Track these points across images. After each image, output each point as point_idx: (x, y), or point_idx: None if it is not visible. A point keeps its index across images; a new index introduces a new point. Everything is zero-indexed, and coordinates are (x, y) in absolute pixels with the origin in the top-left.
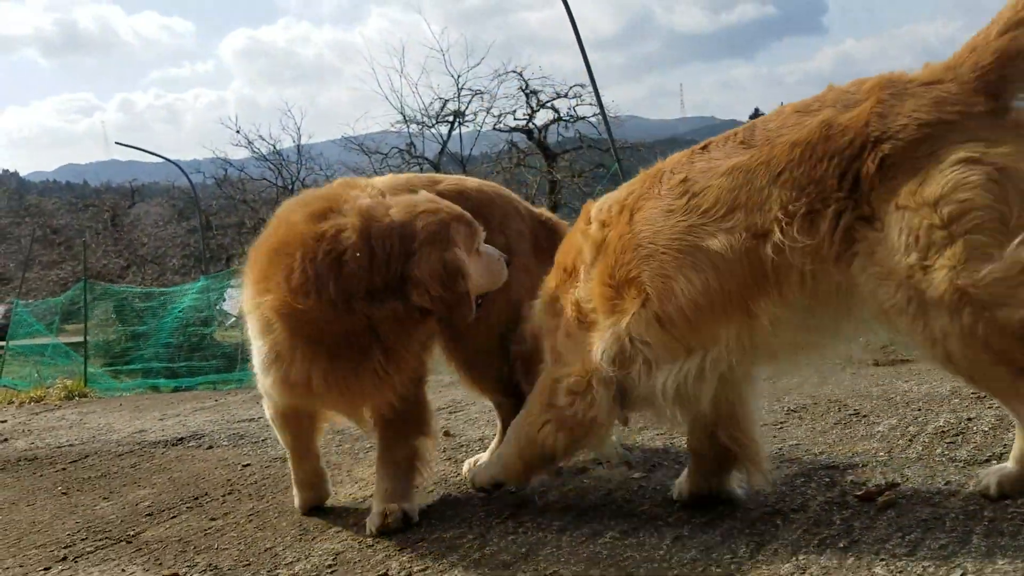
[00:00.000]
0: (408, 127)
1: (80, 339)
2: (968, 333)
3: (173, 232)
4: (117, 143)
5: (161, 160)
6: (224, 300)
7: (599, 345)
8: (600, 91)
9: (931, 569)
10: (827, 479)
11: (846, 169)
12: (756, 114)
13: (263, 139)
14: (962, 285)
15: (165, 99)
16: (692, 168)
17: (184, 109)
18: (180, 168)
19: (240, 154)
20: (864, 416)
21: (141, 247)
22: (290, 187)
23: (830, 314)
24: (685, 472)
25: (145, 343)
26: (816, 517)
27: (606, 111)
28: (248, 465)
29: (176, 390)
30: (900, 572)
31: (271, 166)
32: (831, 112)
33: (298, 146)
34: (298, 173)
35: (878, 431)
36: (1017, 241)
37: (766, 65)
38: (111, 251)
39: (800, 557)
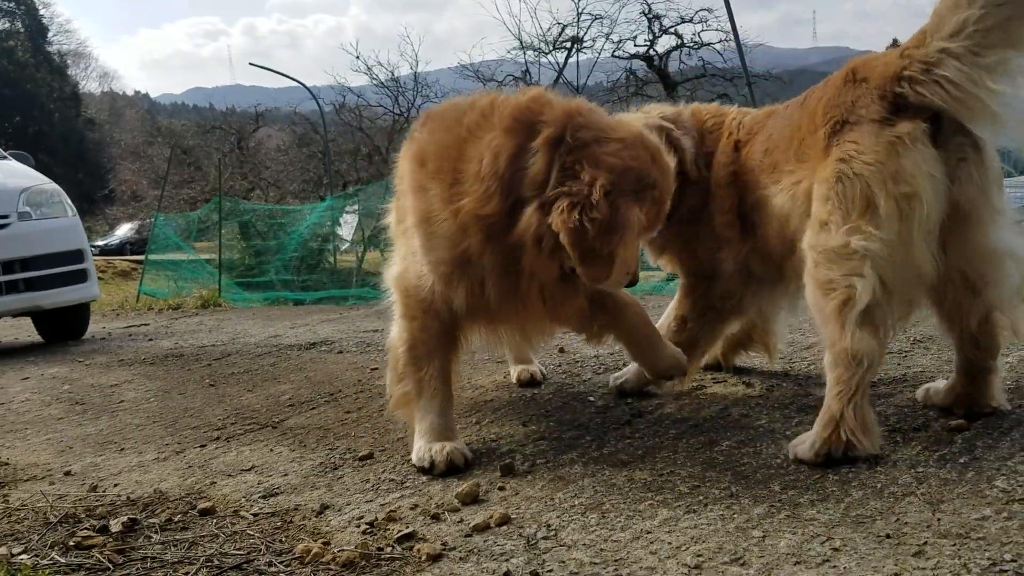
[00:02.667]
0: (524, 54)
1: (210, 256)
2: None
3: (294, 157)
4: (251, 64)
5: (284, 86)
6: (340, 226)
7: None
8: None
9: None
10: None
11: (813, 140)
12: (894, 44)
13: (381, 65)
14: (812, 245)
15: (287, 25)
16: (775, 123)
17: (304, 35)
18: (309, 91)
19: (359, 81)
20: None
21: (264, 170)
22: (405, 114)
23: None
24: None
25: (272, 258)
26: (937, 436)
27: (739, 36)
28: (376, 369)
29: (297, 303)
30: (1022, 485)
31: (388, 93)
32: (816, 92)
33: (415, 73)
34: (414, 100)
35: (1007, 362)
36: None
37: None
38: (236, 173)
39: (919, 470)
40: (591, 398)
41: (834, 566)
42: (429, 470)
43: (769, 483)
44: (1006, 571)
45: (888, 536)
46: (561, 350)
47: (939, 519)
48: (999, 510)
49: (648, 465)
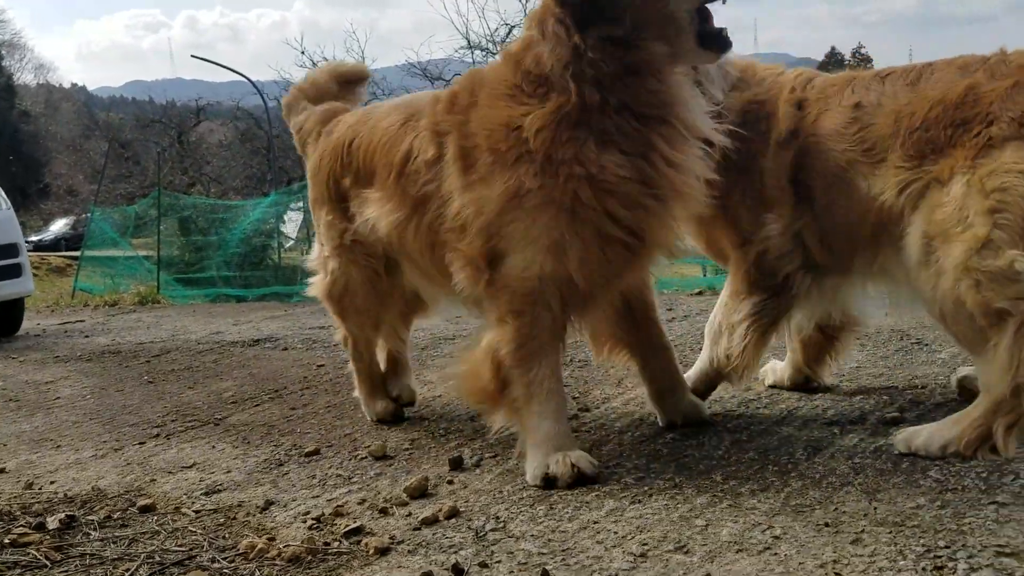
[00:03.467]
0: (472, 53)
1: (149, 252)
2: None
3: (236, 152)
4: (192, 56)
5: (226, 80)
6: (284, 223)
7: None
8: None
9: (984, 474)
10: (886, 397)
11: (960, 136)
12: (832, 53)
13: (327, 61)
14: (969, 265)
15: (229, 18)
16: (867, 96)
17: (247, 28)
18: (253, 85)
19: (304, 76)
20: (926, 345)
21: (206, 165)
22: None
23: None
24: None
25: (214, 254)
26: (873, 429)
27: None
28: (322, 366)
29: (241, 300)
30: (954, 476)
31: None
32: (981, 78)
33: None
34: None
35: (939, 358)
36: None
37: (844, 4)
38: (177, 168)
39: (856, 460)
40: None
41: (775, 553)
42: (551, 485)
43: (711, 473)
44: (940, 557)
45: (827, 524)
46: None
47: (876, 508)
48: (933, 499)
49: (595, 457)
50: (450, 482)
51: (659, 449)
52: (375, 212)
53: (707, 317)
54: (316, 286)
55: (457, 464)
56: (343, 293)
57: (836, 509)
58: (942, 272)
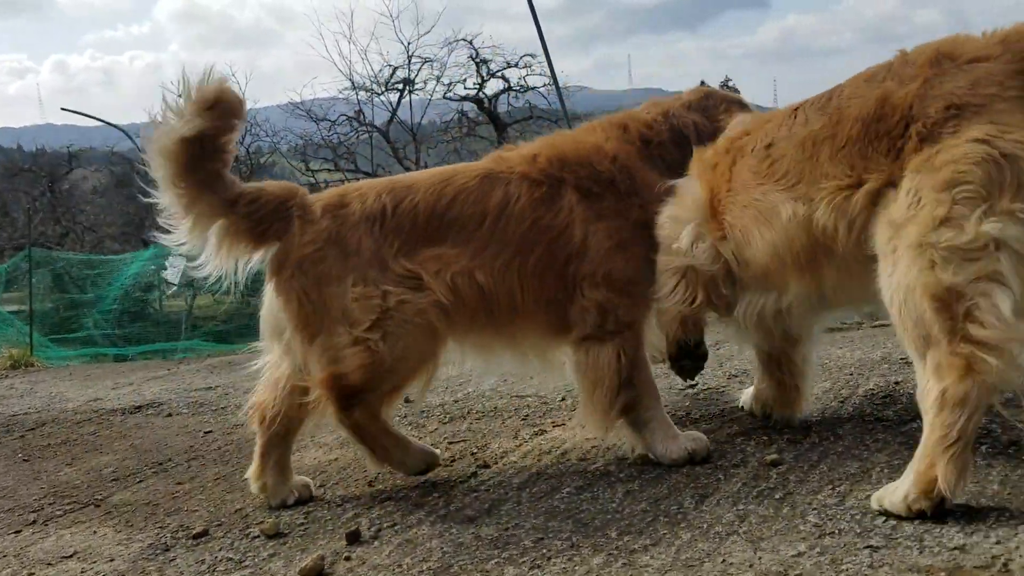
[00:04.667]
0: (357, 94)
1: (19, 307)
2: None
3: (112, 199)
4: (63, 109)
5: (99, 124)
6: (166, 268)
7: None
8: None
9: (858, 516)
10: (765, 437)
11: (891, 147)
12: (702, 84)
13: None
14: (926, 241)
15: (101, 61)
16: (778, 134)
17: (121, 72)
18: (125, 133)
19: None
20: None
21: (80, 213)
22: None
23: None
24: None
25: (89, 311)
26: (755, 472)
27: (558, 81)
28: (210, 432)
29: (119, 359)
30: (831, 519)
31: None
32: (890, 87)
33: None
34: (243, 138)
35: (813, 394)
36: (978, 214)
37: (710, 39)
38: (49, 218)
39: (740, 507)
40: (437, 451)
41: None
42: (691, 459)
43: (607, 529)
44: None
45: None
46: (407, 400)
47: (760, 557)
48: (812, 545)
49: (494, 520)
50: (347, 558)
51: (557, 506)
52: None
53: None
54: None
55: (354, 538)
56: None
57: (724, 561)
58: (897, 261)
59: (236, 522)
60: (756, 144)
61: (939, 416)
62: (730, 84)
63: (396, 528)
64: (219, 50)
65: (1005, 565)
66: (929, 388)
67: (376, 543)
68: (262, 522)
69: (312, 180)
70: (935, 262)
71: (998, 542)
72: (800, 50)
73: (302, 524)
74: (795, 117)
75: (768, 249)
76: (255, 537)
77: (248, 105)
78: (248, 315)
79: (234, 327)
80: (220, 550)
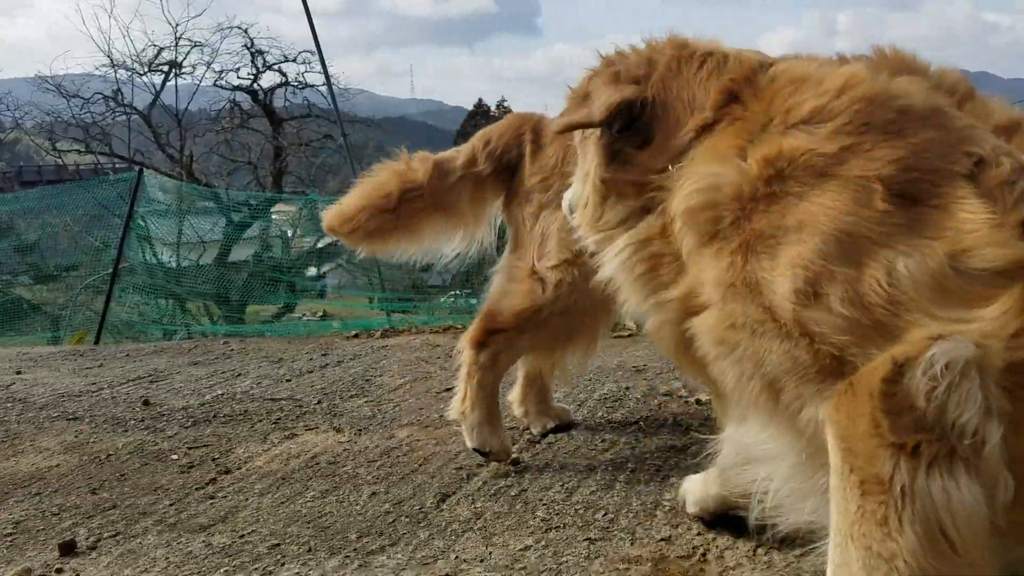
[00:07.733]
0: (116, 72)
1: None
2: None
3: None
4: None
5: None
6: None
7: None
8: (328, 62)
9: (581, 510)
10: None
11: None
12: (480, 104)
13: None
14: None
15: None
16: None
17: None
18: None
19: None
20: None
21: None
22: None
23: None
24: None
25: None
26: (496, 471)
27: (333, 82)
28: None
29: None
30: (557, 514)
31: None
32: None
33: None
34: None
35: (554, 397)
36: None
37: (485, 57)
38: None
39: (478, 504)
40: (174, 456)
41: None
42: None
43: (347, 532)
44: None
45: (447, 575)
46: (146, 402)
47: (491, 552)
48: (539, 539)
49: (229, 527)
50: (59, 570)
51: (299, 510)
52: None
53: (362, 361)
54: None
55: (69, 548)
56: None
57: (457, 557)
58: None
59: None
60: None
61: None
62: (505, 104)
63: (118, 538)
64: None
65: (703, 555)
66: None
67: (94, 554)
68: None
69: (59, 161)
70: None
71: (699, 534)
72: (567, 78)
73: (10, 534)
74: None
75: None
76: None
77: None
78: None
79: None
80: None
